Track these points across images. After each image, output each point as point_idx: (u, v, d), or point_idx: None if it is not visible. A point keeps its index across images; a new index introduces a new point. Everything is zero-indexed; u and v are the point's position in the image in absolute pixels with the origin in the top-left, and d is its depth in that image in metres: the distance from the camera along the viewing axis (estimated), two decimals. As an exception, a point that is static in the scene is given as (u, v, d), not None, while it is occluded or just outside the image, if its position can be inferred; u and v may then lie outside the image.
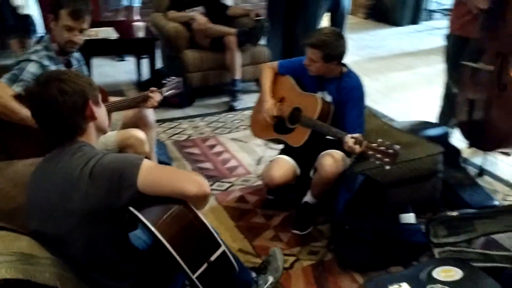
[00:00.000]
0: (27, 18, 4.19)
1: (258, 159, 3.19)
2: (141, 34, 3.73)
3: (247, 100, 4.10)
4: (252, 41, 4.05)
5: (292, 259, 2.29)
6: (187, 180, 1.35)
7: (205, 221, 1.38)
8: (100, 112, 1.48)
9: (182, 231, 1.34)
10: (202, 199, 1.36)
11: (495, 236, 2.42)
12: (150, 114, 2.65)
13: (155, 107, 2.53)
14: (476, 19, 2.77)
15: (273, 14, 4.41)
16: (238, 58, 3.97)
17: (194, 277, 1.36)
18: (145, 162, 1.33)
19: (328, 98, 2.40)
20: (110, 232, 1.36)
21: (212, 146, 3.38)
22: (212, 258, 1.40)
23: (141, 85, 4.18)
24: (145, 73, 4.37)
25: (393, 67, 5.14)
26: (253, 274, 2.00)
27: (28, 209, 1.44)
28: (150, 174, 1.31)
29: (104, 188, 1.28)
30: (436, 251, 2.26)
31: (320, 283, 2.14)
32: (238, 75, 4.01)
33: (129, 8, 4.86)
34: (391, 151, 1.93)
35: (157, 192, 1.32)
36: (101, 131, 1.51)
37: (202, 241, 1.39)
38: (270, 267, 2.10)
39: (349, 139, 2.07)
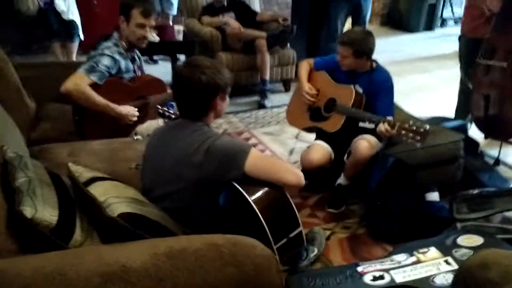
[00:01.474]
0: (71, 23, 4.54)
1: (290, 150, 3.48)
2: (180, 37, 4.06)
3: (275, 100, 4.41)
4: (280, 44, 4.37)
5: (328, 232, 2.57)
6: (289, 172, 1.67)
7: (292, 203, 1.68)
8: (223, 105, 1.78)
9: (272, 208, 1.64)
10: (297, 188, 1.69)
11: (510, 214, 2.68)
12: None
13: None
14: (488, 21, 3.06)
15: (298, 19, 4.72)
16: (268, 60, 4.29)
17: (275, 247, 1.64)
18: (253, 150, 1.65)
19: (360, 90, 2.69)
20: (207, 199, 1.68)
21: (247, 139, 3.68)
22: (292, 234, 1.69)
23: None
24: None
25: (411, 70, 5.43)
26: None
27: (145, 165, 1.76)
28: (257, 161, 1.63)
29: (216, 164, 1.60)
30: (458, 225, 2.53)
31: (354, 251, 2.42)
32: (267, 76, 4.32)
33: (164, 15, 5.20)
34: (421, 130, 2.20)
35: (261, 177, 1.63)
36: (217, 118, 1.81)
37: (287, 219, 1.69)
38: (315, 241, 2.38)
39: (383, 122, 2.35)
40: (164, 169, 1.69)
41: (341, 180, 2.76)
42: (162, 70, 5.15)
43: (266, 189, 1.66)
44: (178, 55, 4.60)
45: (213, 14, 4.47)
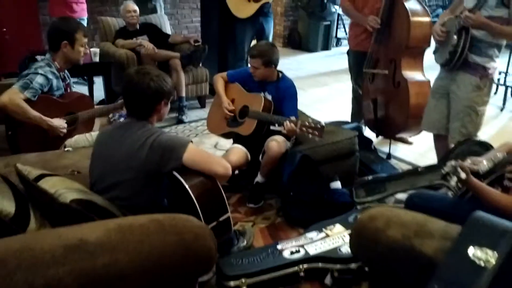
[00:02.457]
0: None
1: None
2: (97, 59, 4.23)
3: (192, 115, 4.71)
4: (193, 63, 4.69)
5: (250, 224, 2.89)
6: (218, 165, 2.00)
7: (222, 191, 2.00)
8: (165, 110, 2.06)
9: (205, 194, 1.94)
10: (225, 178, 2.02)
11: (402, 197, 3.18)
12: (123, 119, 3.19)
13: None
14: (370, 36, 3.62)
15: (208, 41, 5.08)
16: (182, 78, 4.58)
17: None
18: (191, 144, 1.95)
19: (269, 96, 3.07)
20: (152, 188, 1.97)
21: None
22: (221, 218, 1.99)
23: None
24: (98, 94, 4.83)
25: (312, 84, 6.00)
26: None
27: (93, 161, 2.01)
28: (193, 154, 1.93)
29: (159, 156, 1.89)
30: (358, 207, 2.97)
31: (274, 237, 2.76)
32: (183, 93, 4.61)
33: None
34: (319, 126, 2.62)
35: (196, 167, 1.94)
36: (159, 120, 2.08)
37: (217, 204, 2.00)
38: (246, 235, 2.67)
39: (288, 121, 2.74)
40: (113, 163, 1.92)
41: (258, 178, 3.10)
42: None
43: (201, 178, 1.96)
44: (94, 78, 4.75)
45: (126, 37, 4.69)
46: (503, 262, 1.32)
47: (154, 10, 5.86)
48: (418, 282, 1.60)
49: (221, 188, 2.03)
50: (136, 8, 4.74)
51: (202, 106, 5.02)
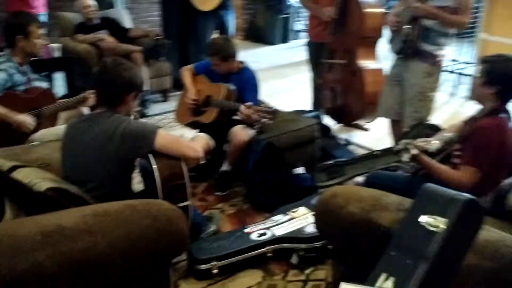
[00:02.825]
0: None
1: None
2: (57, 54, 4.20)
3: (156, 108, 4.75)
4: (155, 57, 4.73)
5: (217, 211, 2.99)
6: (188, 147, 2.09)
7: (186, 179, 2.06)
8: (134, 103, 2.11)
9: (169, 177, 2.02)
10: (195, 160, 2.10)
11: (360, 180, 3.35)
12: (86, 112, 3.20)
13: (92, 106, 3.09)
14: (327, 27, 3.77)
15: (168, 34, 5.11)
16: (144, 72, 4.60)
17: None
18: (160, 130, 2.01)
19: (233, 87, 3.17)
20: (125, 174, 2.03)
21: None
22: (180, 205, 2.06)
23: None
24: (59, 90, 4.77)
25: (273, 76, 6.13)
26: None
27: (64, 153, 2.06)
28: (164, 140, 2.00)
29: (130, 144, 1.94)
30: (320, 190, 3.11)
31: (241, 222, 2.87)
32: (146, 87, 4.63)
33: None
34: (271, 110, 2.77)
35: (168, 151, 2.01)
36: (127, 113, 2.10)
37: (179, 190, 2.06)
38: (214, 220, 2.78)
39: (243, 106, 2.85)
40: (84, 155, 1.97)
41: (224, 167, 3.20)
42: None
43: (168, 161, 2.04)
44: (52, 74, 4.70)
45: (86, 32, 4.67)
46: (452, 226, 1.47)
47: (112, 5, 5.83)
48: (377, 252, 1.74)
49: (187, 176, 2.09)
50: (92, 2, 4.72)
51: (165, 100, 5.06)
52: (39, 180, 1.71)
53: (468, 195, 1.53)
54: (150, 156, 2.01)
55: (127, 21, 5.24)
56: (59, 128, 2.86)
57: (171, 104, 4.84)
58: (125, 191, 2.04)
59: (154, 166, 2.00)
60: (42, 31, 2.89)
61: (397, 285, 1.45)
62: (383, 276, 1.49)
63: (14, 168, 1.79)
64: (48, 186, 1.68)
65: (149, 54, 4.66)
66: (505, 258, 1.54)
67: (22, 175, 1.74)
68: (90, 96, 3.03)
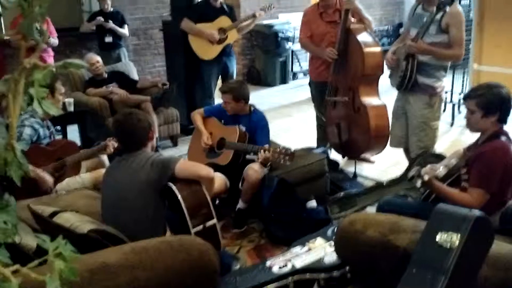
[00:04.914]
0: None
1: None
2: (71, 108, 4.39)
3: (166, 154, 4.88)
4: (164, 105, 4.93)
5: (237, 247, 3.10)
6: (202, 168, 2.34)
7: (208, 198, 2.24)
8: (154, 137, 2.34)
9: (192, 199, 2.19)
10: (209, 180, 2.32)
11: (371, 211, 3.48)
12: (106, 160, 3.37)
13: (112, 153, 3.26)
14: (328, 67, 3.98)
15: (175, 82, 5.34)
16: (155, 120, 4.79)
17: (192, 231, 2.15)
18: (182, 159, 2.26)
19: (243, 128, 3.34)
20: (156, 201, 2.22)
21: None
22: (207, 224, 2.22)
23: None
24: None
25: (275, 116, 6.32)
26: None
27: (104, 192, 2.28)
28: (183, 165, 2.24)
29: (159, 169, 2.17)
30: (334, 222, 3.23)
31: (260, 256, 2.98)
32: (156, 134, 4.82)
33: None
34: (289, 152, 2.93)
35: (185, 175, 2.22)
36: (152, 149, 2.39)
37: (203, 210, 2.23)
38: (240, 261, 2.89)
39: (261, 149, 3.01)
40: (121, 189, 2.18)
41: (240, 204, 3.32)
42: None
43: (189, 185, 2.25)
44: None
45: (97, 86, 4.89)
46: (466, 241, 1.60)
47: (118, 59, 6.10)
48: (396, 273, 1.86)
49: (208, 198, 2.29)
50: (99, 58, 4.96)
51: (175, 145, 5.23)
52: (79, 223, 1.85)
53: (479, 212, 1.67)
54: (174, 188, 2.17)
55: (134, 73, 5.48)
56: (84, 176, 3.03)
57: (181, 149, 5.02)
58: (156, 229, 2.18)
59: (179, 196, 2.16)
60: (64, 89, 3.13)
61: (421, 298, 1.56)
62: (407, 291, 1.61)
63: (54, 213, 1.93)
64: (90, 228, 1.82)
65: (158, 103, 4.87)
66: (517, 268, 1.66)
67: (63, 219, 1.88)
68: (109, 144, 3.21)
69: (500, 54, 4.33)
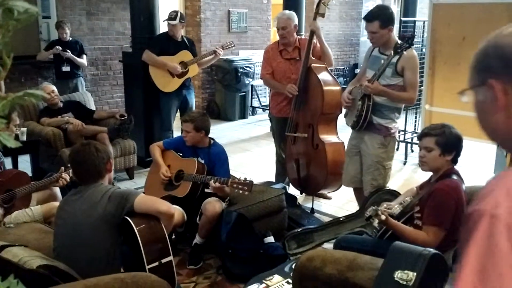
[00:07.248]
0: None
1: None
2: (24, 137, 4.24)
3: (122, 186, 4.78)
4: (122, 136, 4.85)
5: (192, 285, 3.03)
6: (162, 203, 2.27)
7: (166, 234, 2.19)
8: (112, 172, 2.29)
9: (149, 235, 2.13)
10: (168, 216, 2.26)
11: (328, 247, 3.49)
12: (58, 192, 3.26)
13: (64, 186, 3.15)
14: (290, 103, 4.06)
15: (133, 114, 5.27)
16: (111, 152, 4.69)
17: (147, 267, 2.09)
18: (141, 194, 2.21)
19: (202, 161, 3.32)
20: (110, 239, 2.12)
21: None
22: (163, 260, 2.16)
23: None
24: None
25: (234, 151, 6.33)
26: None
27: (57, 226, 2.15)
28: (142, 199, 2.18)
29: (116, 202, 2.10)
30: (291, 258, 3.23)
31: (216, 295, 2.92)
32: (112, 166, 4.71)
33: None
34: (247, 181, 2.95)
35: (144, 209, 2.16)
36: (109, 182, 2.32)
37: (160, 245, 2.17)
38: None
39: (212, 181, 3.03)
40: (75, 223, 2.08)
41: (197, 239, 3.26)
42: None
43: (147, 220, 2.19)
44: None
45: (51, 116, 4.76)
46: (422, 278, 1.63)
47: (76, 88, 6.00)
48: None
49: (166, 234, 2.24)
50: (54, 88, 4.86)
51: (131, 177, 5.12)
52: (29, 258, 1.76)
53: (433, 250, 1.71)
54: (131, 221, 2.12)
55: (92, 103, 5.39)
56: (34, 209, 2.90)
57: (138, 182, 4.93)
58: (113, 261, 2.11)
59: (136, 230, 2.11)
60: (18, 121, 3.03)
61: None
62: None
63: (2, 248, 1.83)
64: (39, 263, 1.73)
65: (115, 134, 4.78)
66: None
67: (11, 254, 1.79)
68: (62, 176, 3.10)
69: (450, 97, 4.56)
